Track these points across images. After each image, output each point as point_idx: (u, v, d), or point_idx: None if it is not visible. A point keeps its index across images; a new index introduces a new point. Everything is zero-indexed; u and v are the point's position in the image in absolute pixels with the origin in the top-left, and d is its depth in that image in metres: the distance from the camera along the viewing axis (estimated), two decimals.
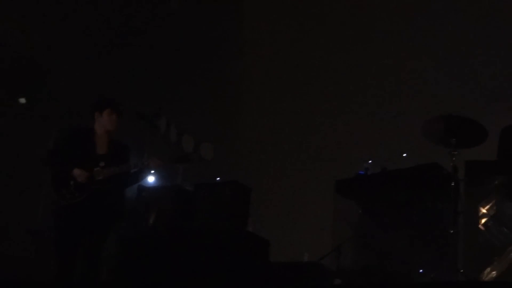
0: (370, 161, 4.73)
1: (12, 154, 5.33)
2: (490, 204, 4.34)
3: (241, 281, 4.25)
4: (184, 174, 5.51)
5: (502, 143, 4.60)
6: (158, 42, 6.85)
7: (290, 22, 7.63)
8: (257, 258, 4.50)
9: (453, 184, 4.28)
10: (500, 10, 6.47)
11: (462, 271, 4.25)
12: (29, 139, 5.22)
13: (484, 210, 4.36)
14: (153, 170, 4.48)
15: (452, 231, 4.24)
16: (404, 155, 4.91)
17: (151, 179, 5.59)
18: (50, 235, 4.44)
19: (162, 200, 4.97)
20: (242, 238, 4.62)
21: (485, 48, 6.53)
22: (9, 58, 5.80)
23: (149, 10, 6.93)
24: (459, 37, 6.65)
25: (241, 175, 5.39)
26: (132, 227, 4.93)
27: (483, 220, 4.35)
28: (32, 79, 5.58)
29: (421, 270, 4.39)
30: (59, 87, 5.72)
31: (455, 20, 6.72)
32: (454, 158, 4.27)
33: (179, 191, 5.07)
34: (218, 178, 5.17)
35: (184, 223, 4.80)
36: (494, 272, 4.29)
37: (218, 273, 4.25)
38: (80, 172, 3.77)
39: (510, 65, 6.22)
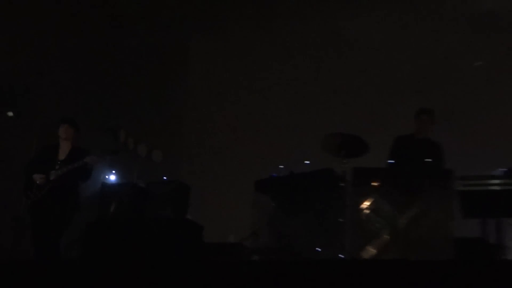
0: (281, 166, 5.58)
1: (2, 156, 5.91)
2: (370, 200, 5.19)
3: (181, 257, 4.79)
4: (139, 174, 6.29)
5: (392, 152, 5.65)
6: (122, 71, 7.47)
7: (230, 56, 8.61)
8: (194, 239, 5.14)
9: (342, 184, 5.27)
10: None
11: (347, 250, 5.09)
12: (16, 145, 5.85)
13: (365, 205, 5.18)
14: (93, 165, 5.03)
15: (341, 220, 5.21)
16: (307, 162, 5.78)
17: (112, 177, 6.37)
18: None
19: (120, 194, 5.72)
20: (182, 224, 5.33)
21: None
22: None
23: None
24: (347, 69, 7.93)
25: (183, 175, 6.39)
26: (96, 214, 5.57)
27: (365, 212, 5.17)
28: (18, 94, 6.05)
29: (318, 249, 5.22)
30: (42, 102, 6.24)
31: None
32: (344, 165, 5.30)
33: (134, 187, 5.85)
34: (164, 178, 5.92)
35: (137, 212, 5.53)
36: (373, 250, 5.13)
37: (163, 251, 4.82)
38: (37, 176, 4.73)
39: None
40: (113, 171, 6.29)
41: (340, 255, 5.20)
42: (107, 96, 6.91)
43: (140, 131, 6.83)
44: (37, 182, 4.78)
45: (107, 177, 6.41)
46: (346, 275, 3.02)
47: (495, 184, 5.14)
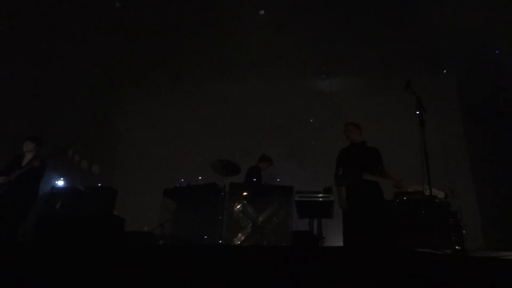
0: (182, 180, 6.58)
1: None
2: (240, 205, 6.44)
3: (108, 242, 5.42)
4: (81, 181, 6.98)
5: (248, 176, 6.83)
6: (72, 106, 8.11)
7: (153, 102, 9.79)
8: (118, 229, 5.80)
9: (222, 193, 6.36)
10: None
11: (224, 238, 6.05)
12: None
13: (237, 207, 6.43)
14: (38, 166, 5.50)
15: (220, 217, 6.28)
16: (200, 177, 6.83)
17: (61, 183, 6.95)
18: None
19: (65, 196, 6.31)
20: (109, 217, 5.99)
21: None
22: None
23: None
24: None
25: (113, 183, 7.30)
26: (45, 211, 6.20)
27: (236, 212, 6.40)
28: None
29: (205, 237, 6.21)
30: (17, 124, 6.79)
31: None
32: (224, 181, 6.42)
33: (76, 190, 6.43)
34: (99, 184, 6.64)
35: (77, 209, 6.20)
36: (241, 238, 6.31)
37: (95, 237, 5.42)
38: (1, 177, 5.47)
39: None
40: (62, 178, 6.90)
41: (219, 241, 6.12)
42: (60, 123, 7.41)
43: (84, 151, 7.39)
44: (0, 181, 5.48)
45: (56, 182, 6.93)
46: (223, 256, 3.27)
47: (318, 197, 6.18)
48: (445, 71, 9.41)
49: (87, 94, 8.49)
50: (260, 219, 6.48)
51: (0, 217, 5.44)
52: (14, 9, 6.95)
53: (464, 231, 5.84)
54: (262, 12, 8.17)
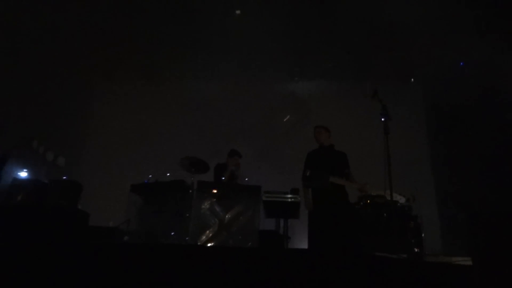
0: (150, 176, 6.57)
1: None
2: (208, 202, 6.26)
3: (70, 236, 5.26)
4: (46, 173, 6.82)
5: (216, 173, 6.72)
6: (40, 96, 7.89)
7: (124, 95, 9.67)
8: (81, 224, 5.65)
9: (190, 191, 6.25)
10: None
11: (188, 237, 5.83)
12: None
13: (204, 205, 6.23)
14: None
15: (188, 215, 6.12)
16: (168, 174, 6.76)
17: (24, 174, 6.72)
18: None
19: (28, 187, 6.05)
20: (73, 211, 5.90)
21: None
22: None
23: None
24: None
25: (79, 177, 7.03)
26: (6, 202, 5.88)
27: (203, 210, 6.21)
28: None
29: (172, 233, 6.05)
30: None
31: None
32: (192, 178, 6.41)
33: (39, 183, 6.22)
34: (64, 177, 6.52)
35: (39, 201, 5.97)
36: (209, 235, 6.15)
37: (57, 231, 5.19)
38: None
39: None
40: (25, 170, 6.66)
41: (186, 238, 5.97)
42: (25, 113, 7.12)
43: (49, 142, 7.23)
44: None
45: (19, 173, 6.66)
46: (188, 256, 3.31)
47: (285, 197, 6.28)
48: (412, 79, 9.71)
49: (55, 84, 8.28)
50: (227, 217, 6.41)
51: None
52: None
53: (423, 235, 6.03)
54: (238, 11, 8.18)
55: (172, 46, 8.38)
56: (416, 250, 5.73)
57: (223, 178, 6.62)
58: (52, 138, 7.74)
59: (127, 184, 6.39)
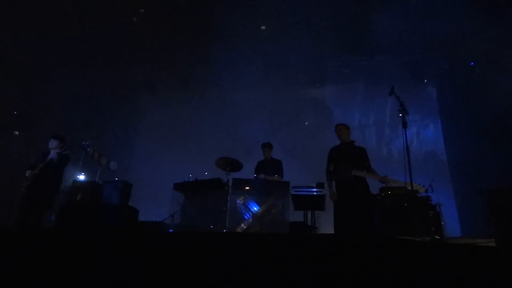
0: (191, 175, 6.48)
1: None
2: (242, 198, 6.20)
3: (122, 229, 5.58)
4: (100, 176, 6.89)
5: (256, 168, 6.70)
6: (94, 109, 8.27)
7: (166, 105, 9.76)
8: (132, 219, 6.02)
9: (226, 188, 6.21)
10: None
11: (227, 227, 5.89)
12: (20, 154, 6.44)
13: (239, 200, 6.20)
14: (57, 159, 5.50)
15: (224, 209, 6.13)
16: (206, 173, 6.74)
17: (82, 177, 6.89)
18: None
19: (85, 189, 6.18)
20: (124, 208, 6.01)
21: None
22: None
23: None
24: None
25: (129, 178, 7.18)
26: (67, 201, 6.10)
27: (238, 204, 6.17)
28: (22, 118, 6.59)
29: (211, 226, 6.10)
30: (37, 124, 6.81)
31: None
32: (228, 176, 6.33)
33: (95, 184, 6.35)
34: (116, 178, 6.56)
35: (96, 201, 6.10)
36: (243, 227, 6.09)
37: (112, 226, 5.62)
38: (27, 171, 5.47)
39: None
40: (83, 173, 6.85)
41: (223, 230, 5.99)
42: (84, 124, 7.51)
43: (103, 148, 7.23)
44: (26, 175, 5.48)
45: (78, 176, 6.86)
46: (226, 243, 3.26)
47: (311, 191, 6.07)
48: (425, 80, 9.43)
49: (107, 98, 8.56)
50: (260, 211, 6.34)
51: (26, 206, 5.41)
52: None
53: (442, 222, 5.78)
54: (263, 27, 8.24)
55: (206, 59, 8.48)
56: (436, 237, 5.51)
57: (262, 174, 6.54)
58: (105, 145, 7.88)
59: (170, 183, 6.45)
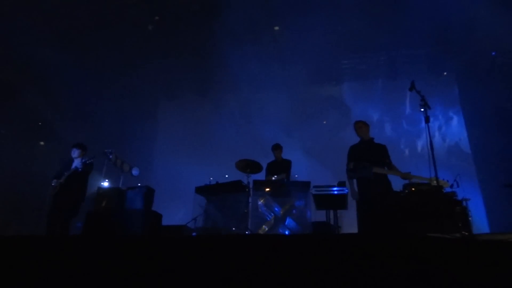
0: (211, 178, 6.48)
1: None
2: (263, 199, 6.28)
3: (147, 232, 5.54)
4: (123, 182, 6.96)
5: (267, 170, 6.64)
6: (116, 119, 8.39)
7: (183, 111, 9.86)
8: (156, 223, 5.94)
9: (247, 189, 6.23)
10: None
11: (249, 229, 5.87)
12: (45, 163, 6.58)
13: (261, 201, 6.28)
14: (82, 168, 5.56)
15: (246, 211, 6.12)
16: (226, 176, 6.70)
17: (106, 184, 6.93)
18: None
19: (110, 195, 6.27)
20: (148, 213, 5.96)
21: None
22: None
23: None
24: None
25: (151, 183, 7.09)
26: (93, 208, 6.20)
27: (259, 205, 6.25)
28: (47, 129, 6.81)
29: (233, 228, 6.10)
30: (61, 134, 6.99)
31: None
32: (248, 178, 6.34)
33: (119, 190, 6.38)
34: (139, 184, 6.52)
35: (119, 206, 6.16)
36: (265, 229, 6.16)
37: (136, 230, 5.50)
38: (53, 180, 5.53)
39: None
40: (106, 180, 6.94)
41: (246, 232, 5.96)
42: (106, 132, 7.62)
43: (125, 156, 7.30)
44: (52, 183, 5.57)
45: (102, 183, 6.93)
46: (249, 245, 3.11)
47: (332, 190, 5.98)
48: (445, 73, 9.18)
49: (128, 107, 8.73)
50: (282, 211, 6.34)
51: (54, 215, 5.48)
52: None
53: (469, 218, 5.59)
54: (276, 28, 8.19)
55: (222, 63, 8.49)
56: (464, 233, 5.31)
57: (275, 176, 6.48)
58: (127, 151, 7.98)
59: (192, 187, 6.49)
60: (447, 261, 2.54)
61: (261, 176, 6.51)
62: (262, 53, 8.23)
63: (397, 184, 5.48)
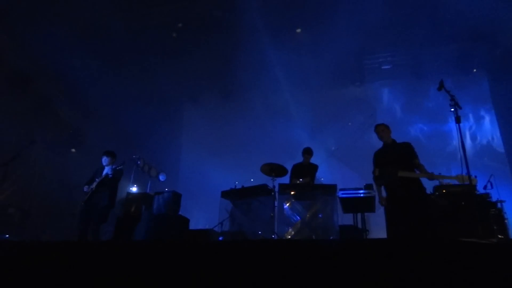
0: (237, 182, 6.48)
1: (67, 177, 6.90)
2: (289, 202, 6.22)
3: (175, 237, 5.74)
4: (150, 187, 7.07)
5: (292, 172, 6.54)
6: (143, 127, 8.54)
7: (208, 116, 9.93)
8: (183, 227, 6.13)
9: (273, 193, 6.18)
10: None
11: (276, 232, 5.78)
12: (76, 169, 6.70)
13: (286, 205, 6.22)
14: (112, 175, 5.60)
15: (272, 214, 6.02)
16: (252, 180, 6.61)
17: (134, 189, 7.05)
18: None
19: (138, 199, 6.39)
20: (175, 218, 6.14)
21: None
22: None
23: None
24: None
25: (178, 188, 7.17)
26: (122, 212, 6.32)
27: (285, 209, 6.19)
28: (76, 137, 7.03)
29: (259, 232, 6.05)
30: (91, 143, 7.17)
31: None
32: (273, 182, 6.26)
33: (147, 195, 6.51)
34: (166, 189, 6.57)
35: (149, 212, 6.28)
36: (292, 232, 6.10)
37: (164, 235, 5.72)
38: (85, 186, 5.59)
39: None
40: (135, 185, 7.08)
41: (272, 236, 5.88)
42: (134, 138, 7.73)
43: (152, 161, 7.58)
44: (84, 189, 5.64)
45: (131, 189, 7.08)
46: (276, 250, 3.13)
47: (360, 193, 5.95)
48: (475, 70, 8.84)
49: (154, 114, 8.81)
50: (308, 215, 6.24)
51: (85, 220, 5.57)
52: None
53: (505, 221, 5.36)
54: (298, 30, 8.14)
55: (245, 67, 8.50)
56: (500, 236, 5.09)
57: (301, 179, 6.41)
58: (154, 157, 8.12)
59: (218, 191, 6.48)
60: (481, 268, 2.43)
61: (286, 179, 6.44)
62: (284, 55, 8.17)
63: (428, 186, 5.18)
